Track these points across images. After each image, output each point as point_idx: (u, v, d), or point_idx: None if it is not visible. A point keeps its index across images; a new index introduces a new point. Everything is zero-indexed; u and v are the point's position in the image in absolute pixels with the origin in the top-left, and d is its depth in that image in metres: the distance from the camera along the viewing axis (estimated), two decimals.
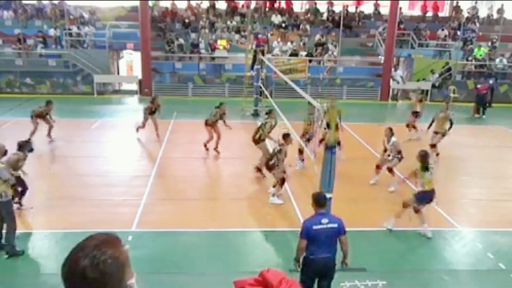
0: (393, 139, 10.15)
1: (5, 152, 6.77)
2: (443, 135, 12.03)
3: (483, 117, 18.45)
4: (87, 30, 22.33)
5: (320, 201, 5.34)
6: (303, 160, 11.29)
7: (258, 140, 10.73)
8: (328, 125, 6.44)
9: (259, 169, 10.58)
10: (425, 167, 7.81)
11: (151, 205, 8.96)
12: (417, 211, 7.93)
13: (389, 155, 10.22)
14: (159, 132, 13.72)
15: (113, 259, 1.48)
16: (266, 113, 11.54)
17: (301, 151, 11.19)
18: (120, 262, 1.50)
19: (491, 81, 20.41)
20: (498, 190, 10.64)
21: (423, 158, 7.86)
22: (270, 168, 9.36)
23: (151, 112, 13.62)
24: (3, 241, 7.00)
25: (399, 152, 10.05)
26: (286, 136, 9.41)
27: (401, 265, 7.16)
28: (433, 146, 11.87)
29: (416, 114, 14.42)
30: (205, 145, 12.34)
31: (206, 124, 12.18)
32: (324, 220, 5.20)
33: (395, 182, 9.76)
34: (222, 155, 12.26)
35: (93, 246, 1.49)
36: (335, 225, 5.22)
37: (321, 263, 5.24)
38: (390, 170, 10.29)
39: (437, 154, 11.93)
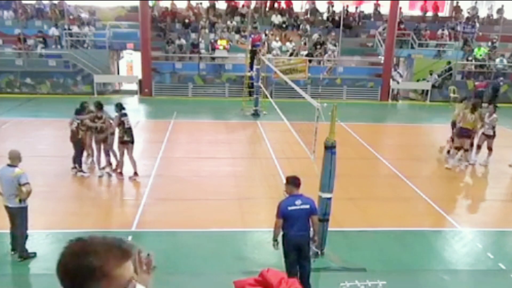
0: (495, 115, 11.31)
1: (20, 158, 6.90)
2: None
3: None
4: (87, 30, 22.33)
5: (294, 183, 5.79)
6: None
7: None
8: None
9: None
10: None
11: (151, 205, 8.96)
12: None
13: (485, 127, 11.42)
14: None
15: (97, 267, 1.39)
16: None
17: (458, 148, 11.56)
18: (103, 273, 1.40)
19: (496, 81, 20.60)
20: (498, 190, 10.64)
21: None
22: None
23: None
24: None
25: (494, 127, 11.44)
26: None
27: (401, 265, 7.16)
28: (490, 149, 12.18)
29: None
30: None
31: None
32: (298, 202, 5.66)
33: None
34: (222, 155, 12.25)
35: (98, 243, 1.45)
36: (307, 206, 5.68)
37: (297, 239, 5.72)
38: (489, 148, 11.61)
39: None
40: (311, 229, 5.85)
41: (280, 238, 5.87)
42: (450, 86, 21.85)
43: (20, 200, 6.63)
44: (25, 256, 6.90)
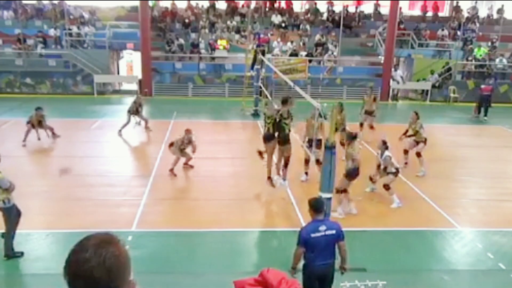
0: (386, 153, 9.00)
1: None
2: (425, 142, 11.19)
3: (485, 118, 18.31)
4: (87, 30, 22.33)
5: (317, 207, 5.15)
6: (306, 173, 10.48)
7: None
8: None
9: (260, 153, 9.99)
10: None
11: (151, 205, 8.96)
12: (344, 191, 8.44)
13: (385, 169, 9.14)
14: (151, 127, 14.30)
15: (115, 257, 1.50)
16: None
17: (306, 161, 10.28)
18: (121, 260, 1.53)
19: (491, 81, 20.38)
20: (498, 190, 10.63)
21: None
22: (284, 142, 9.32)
23: (136, 112, 14.01)
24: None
25: (396, 168, 9.09)
26: (285, 101, 9.19)
27: (401, 265, 7.16)
28: (419, 155, 11.19)
29: (370, 113, 13.82)
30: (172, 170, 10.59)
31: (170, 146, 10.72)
32: (322, 227, 5.03)
33: (395, 197, 9.14)
34: (222, 155, 12.24)
35: (95, 245, 1.49)
36: (333, 232, 5.08)
37: (321, 270, 5.16)
38: (386, 187, 9.13)
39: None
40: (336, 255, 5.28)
41: (300, 267, 5.27)
42: (450, 86, 21.85)
43: (3, 201, 6.55)
44: (11, 255, 6.79)
